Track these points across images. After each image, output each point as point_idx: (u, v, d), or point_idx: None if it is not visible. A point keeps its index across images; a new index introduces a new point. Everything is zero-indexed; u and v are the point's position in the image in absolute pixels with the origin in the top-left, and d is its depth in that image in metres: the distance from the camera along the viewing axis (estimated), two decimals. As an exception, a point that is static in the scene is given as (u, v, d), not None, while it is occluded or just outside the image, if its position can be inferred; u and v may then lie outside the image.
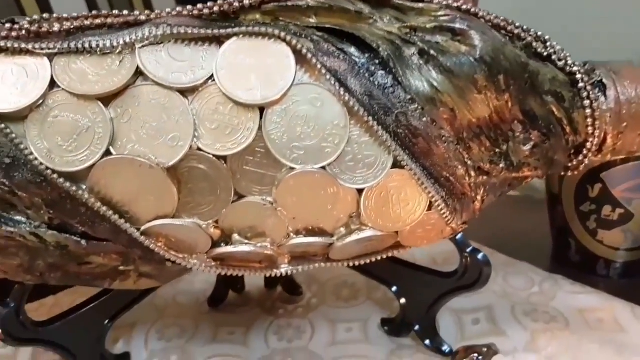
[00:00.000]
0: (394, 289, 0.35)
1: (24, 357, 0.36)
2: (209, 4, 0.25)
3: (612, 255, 0.41)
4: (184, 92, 0.24)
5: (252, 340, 0.36)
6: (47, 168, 0.23)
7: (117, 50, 0.24)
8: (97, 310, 0.32)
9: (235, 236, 0.26)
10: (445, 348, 0.34)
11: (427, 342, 0.34)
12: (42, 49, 0.24)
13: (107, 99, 0.24)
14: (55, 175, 0.23)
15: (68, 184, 0.24)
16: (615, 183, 0.39)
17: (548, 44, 0.29)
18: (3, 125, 0.23)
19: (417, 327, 0.35)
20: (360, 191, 0.26)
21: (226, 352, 0.35)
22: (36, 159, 0.23)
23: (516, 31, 0.28)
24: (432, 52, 0.25)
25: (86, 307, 0.32)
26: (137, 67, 0.24)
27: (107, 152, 0.24)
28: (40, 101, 0.23)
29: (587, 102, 0.29)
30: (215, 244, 0.27)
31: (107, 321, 0.33)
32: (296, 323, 0.38)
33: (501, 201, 0.32)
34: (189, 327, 0.37)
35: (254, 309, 0.40)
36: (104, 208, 0.24)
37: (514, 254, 0.44)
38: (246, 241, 0.27)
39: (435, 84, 0.25)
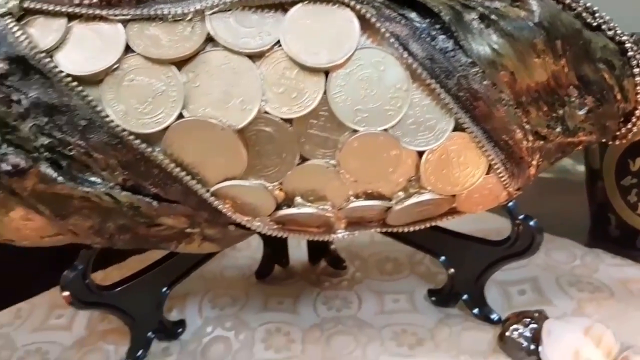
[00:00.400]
0: (442, 259, 0.35)
1: (79, 326, 0.37)
2: (273, -28, 0.26)
3: (652, 229, 0.41)
4: (252, 57, 0.25)
5: (302, 309, 0.37)
6: (124, 130, 0.24)
7: (188, 17, 0.24)
8: (156, 277, 0.33)
9: (298, 199, 0.27)
10: (494, 316, 0.34)
11: (476, 310, 0.35)
12: (115, 16, 0.24)
13: (179, 64, 0.24)
14: (131, 137, 0.24)
15: (144, 146, 0.24)
16: (658, 156, 0.39)
17: (597, 14, 0.29)
18: (80, 88, 0.24)
19: (465, 297, 0.35)
20: (420, 154, 0.26)
21: (279, 320, 0.36)
22: (112, 121, 0.24)
23: (567, 1, 0.28)
24: (492, 16, 0.25)
25: (146, 274, 0.33)
26: (207, 34, 0.24)
27: (180, 116, 0.24)
28: (116, 65, 0.24)
29: (636, 70, 0.29)
30: (278, 207, 0.27)
31: (164, 289, 0.33)
32: (343, 294, 0.38)
33: (537, 184, 0.32)
34: (239, 297, 0.38)
35: (299, 281, 0.40)
36: (177, 169, 0.25)
37: (552, 232, 0.44)
38: (308, 204, 0.27)
39: (496, 47, 0.25)
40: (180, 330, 0.35)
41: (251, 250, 0.44)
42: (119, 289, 0.31)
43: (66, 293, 0.29)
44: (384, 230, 0.30)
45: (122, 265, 0.42)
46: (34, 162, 0.24)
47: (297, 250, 0.42)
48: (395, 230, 0.30)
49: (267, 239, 0.40)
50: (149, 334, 0.33)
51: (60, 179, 0.24)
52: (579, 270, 0.39)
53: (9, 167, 0.24)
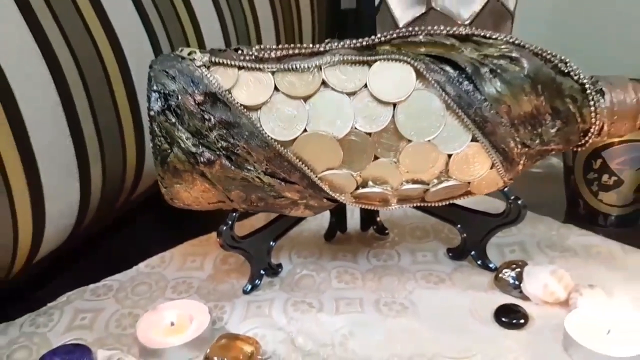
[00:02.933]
0: (458, 226, 0.48)
1: (208, 267, 0.50)
2: (360, 39, 0.39)
3: (609, 210, 0.54)
4: (349, 94, 0.38)
5: (359, 260, 0.50)
6: (272, 138, 0.37)
7: (311, 69, 0.37)
8: (267, 234, 0.46)
9: (370, 182, 0.40)
10: (492, 265, 0.47)
11: (479, 262, 0.48)
12: (267, 69, 0.37)
13: (305, 98, 0.38)
14: (275, 143, 0.37)
15: (282, 148, 0.38)
16: (612, 158, 0.51)
17: (568, 64, 0.41)
18: (247, 113, 0.37)
19: (472, 253, 0.48)
20: (449, 156, 0.39)
21: (345, 266, 0.49)
22: (266, 132, 0.37)
23: (548, 56, 0.41)
24: (498, 70, 0.38)
25: (261, 231, 0.46)
26: (322, 80, 0.37)
27: (305, 130, 0.38)
28: (268, 99, 0.37)
29: (592, 103, 0.40)
30: (357, 187, 0.40)
31: (272, 242, 0.47)
32: (387, 251, 0.51)
33: (531, 176, 0.44)
34: (315, 251, 0.51)
35: (355, 243, 0.53)
36: (299, 163, 0.38)
37: (539, 212, 0.56)
38: (376, 186, 0.40)
39: (499, 90, 0.38)
40: (280, 270, 0.48)
41: (318, 221, 0.57)
42: (248, 239, 0.45)
43: (220, 239, 0.43)
44: (422, 204, 0.43)
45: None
46: (217, 157, 0.38)
47: (352, 221, 0.55)
48: (429, 204, 0.43)
49: (333, 212, 0.53)
50: (261, 271, 0.47)
51: (232, 167, 0.38)
52: (555, 238, 0.52)
53: (205, 159, 0.37)
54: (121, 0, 0.49)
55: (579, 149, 0.44)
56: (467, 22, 0.61)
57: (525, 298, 0.43)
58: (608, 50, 0.77)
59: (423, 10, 0.61)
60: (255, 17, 0.59)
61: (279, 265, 0.49)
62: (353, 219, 0.55)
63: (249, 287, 0.46)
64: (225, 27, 0.56)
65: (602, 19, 0.79)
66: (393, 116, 0.38)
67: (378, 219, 0.54)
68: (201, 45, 0.55)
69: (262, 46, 0.39)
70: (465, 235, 0.48)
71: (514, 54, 0.38)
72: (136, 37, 0.50)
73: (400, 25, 0.63)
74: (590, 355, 0.37)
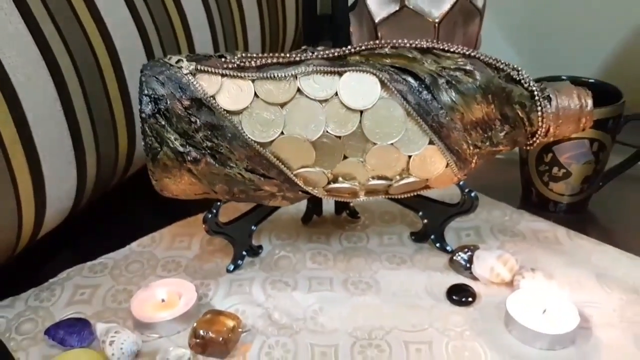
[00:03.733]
0: (420, 213, 0.53)
1: (195, 247, 0.55)
2: (332, 50, 0.43)
3: (559, 199, 0.59)
4: (321, 102, 0.42)
5: (332, 242, 0.55)
6: (252, 140, 0.41)
7: (287, 78, 0.41)
8: (248, 219, 0.51)
9: (340, 178, 0.45)
10: (449, 248, 0.52)
11: (438, 245, 0.53)
12: (247, 77, 0.41)
13: (282, 105, 0.42)
14: (255, 144, 0.42)
15: (261, 148, 0.42)
16: (561, 153, 0.56)
17: (520, 72, 0.46)
18: (230, 117, 0.41)
19: (432, 237, 0.53)
20: (409, 157, 0.44)
21: (319, 248, 0.54)
22: (246, 134, 0.41)
23: (500, 66, 0.45)
24: (453, 82, 0.42)
25: (243, 217, 0.51)
26: (298, 88, 0.41)
27: (282, 133, 0.42)
28: (248, 105, 0.41)
29: (539, 108, 0.45)
30: (328, 183, 0.45)
31: (253, 226, 0.52)
32: (357, 234, 0.56)
33: (490, 161, 0.49)
34: (293, 234, 0.56)
35: (330, 226, 0.58)
36: (277, 161, 0.42)
37: (495, 197, 0.61)
38: (346, 182, 0.45)
39: (454, 99, 0.42)
40: (260, 251, 0.53)
41: (296, 205, 0.61)
42: (231, 225, 0.49)
43: (205, 226, 0.47)
44: (387, 197, 0.48)
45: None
46: (202, 155, 0.42)
47: (327, 205, 0.59)
48: (393, 197, 0.48)
49: (309, 199, 0.57)
50: (243, 252, 0.52)
51: (216, 164, 0.42)
52: (507, 223, 0.57)
53: (191, 158, 0.41)
54: (116, 3, 0.52)
55: (528, 148, 0.48)
56: (437, 20, 0.65)
57: (475, 279, 0.49)
58: (575, 47, 0.82)
59: (397, 8, 0.65)
60: (243, 18, 0.62)
61: (260, 247, 0.53)
62: (328, 204, 0.59)
63: (232, 266, 0.51)
64: (214, 29, 0.59)
65: (570, 16, 0.82)
66: (360, 122, 0.42)
67: (351, 204, 0.59)
68: (190, 45, 0.58)
69: (244, 54, 0.43)
70: (426, 221, 0.53)
71: (468, 67, 0.43)
72: (129, 37, 0.53)
73: (376, 21, 0.66)
74: (526, 332, 0.43)
